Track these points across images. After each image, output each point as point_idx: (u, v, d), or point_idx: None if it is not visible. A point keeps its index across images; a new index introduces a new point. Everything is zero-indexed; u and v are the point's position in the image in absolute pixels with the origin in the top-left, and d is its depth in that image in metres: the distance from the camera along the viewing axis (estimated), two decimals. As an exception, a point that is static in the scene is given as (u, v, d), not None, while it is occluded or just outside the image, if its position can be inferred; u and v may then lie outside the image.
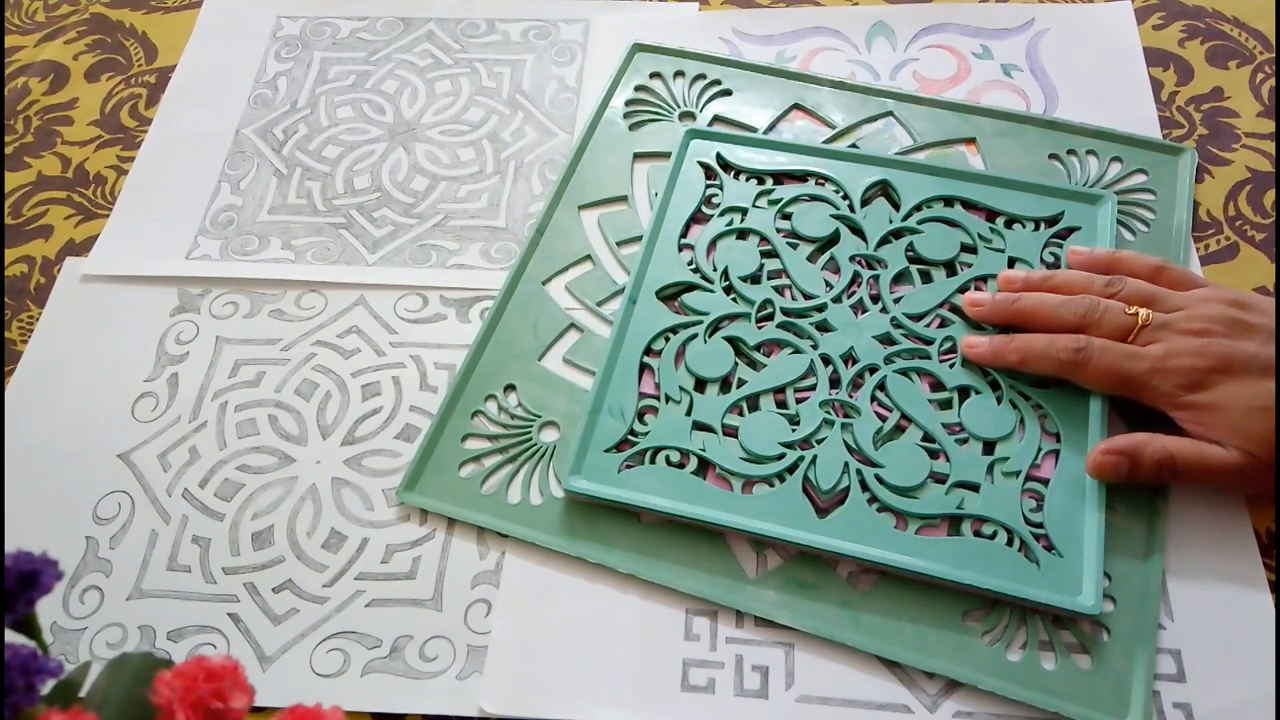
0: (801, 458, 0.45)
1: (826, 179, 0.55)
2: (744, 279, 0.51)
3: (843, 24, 0.64)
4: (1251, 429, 0.42)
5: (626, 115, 0.59)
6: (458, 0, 0.67)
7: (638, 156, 0.57)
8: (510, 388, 0.49)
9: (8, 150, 0.62)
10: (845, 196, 0.54)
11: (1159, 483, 0.44)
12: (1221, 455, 0.42)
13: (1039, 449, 0.45)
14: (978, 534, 0.43)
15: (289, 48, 0.66)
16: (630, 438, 0.46)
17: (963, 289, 0.50)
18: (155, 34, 0.67)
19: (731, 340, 0.49)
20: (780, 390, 0.47)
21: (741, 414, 0.47)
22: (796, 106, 0.59)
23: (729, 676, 0.41)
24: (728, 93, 0.60)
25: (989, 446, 0.45)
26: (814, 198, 0.54)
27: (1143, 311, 0.45)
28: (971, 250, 0.51)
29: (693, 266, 0.52)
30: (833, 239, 0.52)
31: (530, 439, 0.48)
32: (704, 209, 0.54)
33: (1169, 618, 0.42)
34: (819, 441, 0.46)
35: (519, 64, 0.64)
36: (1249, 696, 0.40)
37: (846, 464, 0.45)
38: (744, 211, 0.54)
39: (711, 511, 0.44)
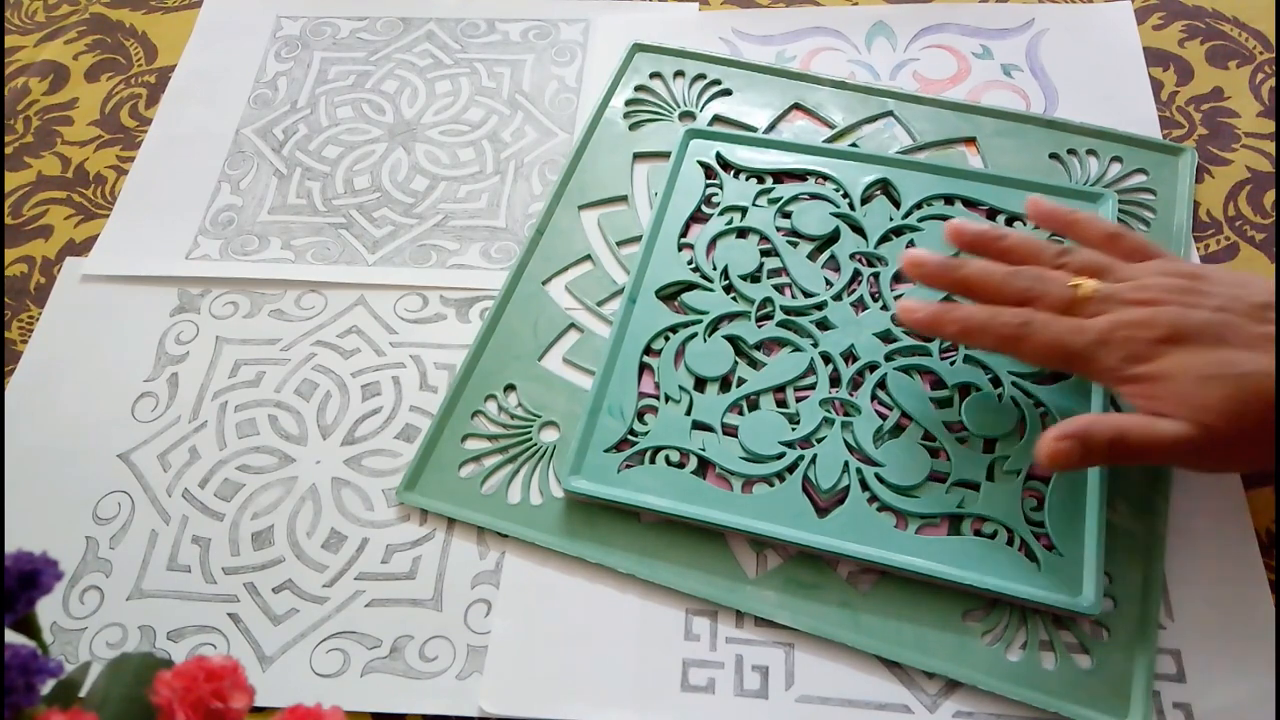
0: (801, 457, 0.45)
1: (826, 177, 0.55)
2: (744, 278, 0.51)
3: (843, 24, 0.63)
4: (1205, 399, 0.38)
5: (626, 115, 0.59)
6: (458, 0, 0.67)
7: (638, 156, 0.57)
8: (510, 388, 0.49)
9: (8, 150, 0.62)
10: (845, 195, 0.54)
11: (1114, 464, 0.42)
12: (1172, 429, 0.38)
13: (1039, 448, 0.45)
14: (978, 533, 0.43)
15: (289, 48, 0.66)
16: (630, 437, 0.46)
17: (963, 288, 0.50)
18: (155, 34, 0.67)
19: (731, 339, 0.49)
20: (780, 389, 0.47)
21: (741, 413, 0.47)
22: (796, 106, 0.59)
23: (729, 676, 0.41)
24: (728, 93, 0.60)
25: (989, 445, 0.45)
26: (814, 196, 0.54)
27: (1089, 283, 0.42)
28: (971, 250, 0.51)
29: (692, 266, 0.52)
30: (833, 237, 0.52)
31: (530, 439, 0.48)
32: (704, 208, 0.54)
33: (1169, 618, 0.42)
34: (819, 440, 0.46)
35: (519, 64, 0.63)
36: (1249, 696, 0.40)
37: (846, 463, 0.45)
38: (744, 210, 0.54)
39: (711, 511, 0.44)
